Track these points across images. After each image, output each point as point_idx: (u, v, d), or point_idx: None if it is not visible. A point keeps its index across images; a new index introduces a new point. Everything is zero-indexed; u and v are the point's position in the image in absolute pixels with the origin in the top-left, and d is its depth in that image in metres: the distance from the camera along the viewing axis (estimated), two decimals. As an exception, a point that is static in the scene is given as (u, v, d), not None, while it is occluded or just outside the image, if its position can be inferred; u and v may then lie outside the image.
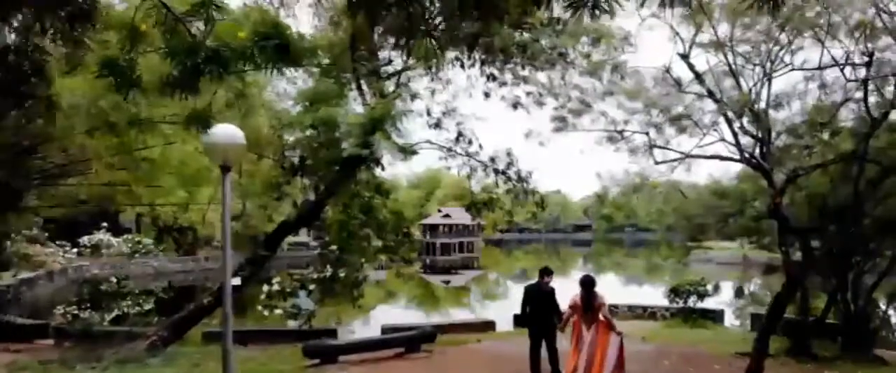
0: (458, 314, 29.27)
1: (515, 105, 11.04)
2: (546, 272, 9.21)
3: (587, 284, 8.42)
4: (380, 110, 7.87)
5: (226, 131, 5.39)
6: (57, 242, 29.70)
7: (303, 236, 50.79)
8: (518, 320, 9.30)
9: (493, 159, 10.60)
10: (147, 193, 12.36)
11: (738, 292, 40.08)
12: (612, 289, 42.49)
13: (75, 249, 30.83)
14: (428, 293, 39.29)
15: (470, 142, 10.67)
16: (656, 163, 10.05)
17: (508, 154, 10.58)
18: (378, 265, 13.92)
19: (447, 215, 75.37)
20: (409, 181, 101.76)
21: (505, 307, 29.63)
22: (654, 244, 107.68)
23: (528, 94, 10.81)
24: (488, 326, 13.26)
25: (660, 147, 9.91)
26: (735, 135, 9.84)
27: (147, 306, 27.33)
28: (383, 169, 10.63)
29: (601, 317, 8.08)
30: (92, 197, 13.73)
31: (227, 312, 5.30)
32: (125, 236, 33.17)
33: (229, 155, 5.46)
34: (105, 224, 32.14)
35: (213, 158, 5.72)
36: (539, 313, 8.92)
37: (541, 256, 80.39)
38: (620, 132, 9.83)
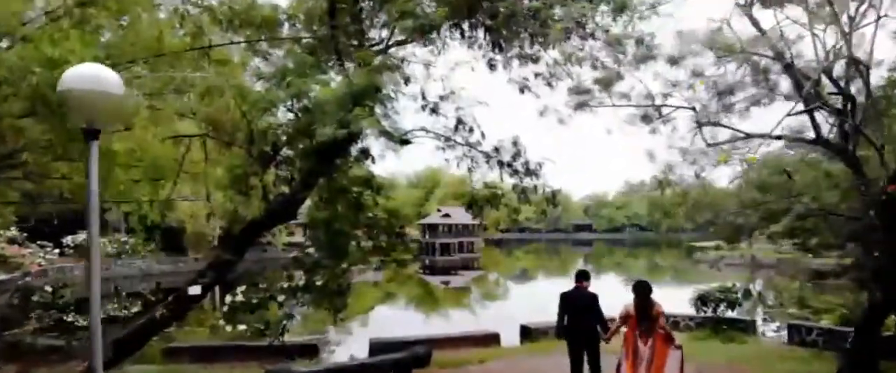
0: (458, 316, 28.61)
1: (523, 89, 9.66)
2: (583, 276, 8.07)
3: (642, 289, 7.32)
4: (360, 82, 6.48)
5: (88, 75, 3.66)
6: (38, 243, 28.44)
7: (299, 236, 50.00)
8: (558, 331, 8.02)
9: (497, 149, 9.19)
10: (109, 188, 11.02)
11: (746, 294, 39.01)
12: (612, 289, 42.39)
13: (57, 250, 29.52)
14: (427, 294, 38.31)
15: (471, 130, 9.29)
16: (708, 145, 8.56)
17: (515, 144, 9.16)
18: (376, 266, 12.58)
19: (447, 215, 74.24)
20: (408, 180, 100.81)
21: (507, 313, 29.04)
22: (656, 244, 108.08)
23: (537, 75, 9.45)
24: (491, 339, 11.85)
25: (714, 124, 8.40)
26: (809, 108, 8.16)
27: (134, 309, 26.29)
28: (373, 161, 9.34)
29: (659, 329, 7.06)
30: (42, 193, 12.48)
31: (94, 325, 3.92)
32: (110, 236, 31.82)
33: (96, 111, 3.66)
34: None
35: (74, 119, 4.01)
36: (580, 322, 7.78)
37: (541, 256, 79.81)
38: (658, 108, 8.39)
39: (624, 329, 7.48)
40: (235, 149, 8.08)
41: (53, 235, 29.87)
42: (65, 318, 25.19)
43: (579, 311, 7.79)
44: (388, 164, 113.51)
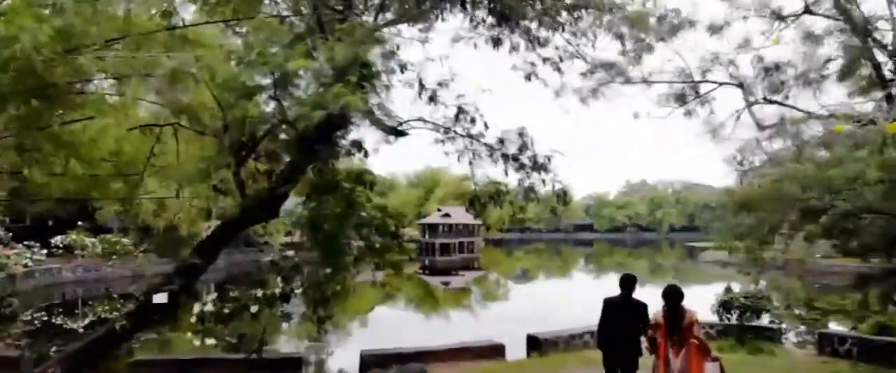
0: (458, 317, 28.13)
1: (529, 76, 8.80)
2: (628, 282, 7.21)
3: (672, 296, 6.55)
4: (342, 54, 5.60)
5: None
6: (25, 243, 27.58)
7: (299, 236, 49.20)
8: (599, 341, 7.17)
9: (501, 141, 8.31)
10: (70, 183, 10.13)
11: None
12: (613, 290, 41.55)
13: (45, 251, 28.63)
14: (427, 295, 37.65)
15: (472, 120, 8.42)
16: (761, 128, 7.61)
17: (520, 135, 8.27)
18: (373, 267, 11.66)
19: (447, 215, 73.47)
20: (407, 179, 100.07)
21: (508, 314, 28.47)
22: (657, 244, 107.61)
23: (545, 60, 8.59)
24: (495, 351, 10.90)
25: (771, 102, 7.41)
26: (882, 80, 7.20)
27: (125, 310, 25.44)
28: (366, 155, 8.50)
29: (693, 339, 6.35)
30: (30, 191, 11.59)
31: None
32: (101, 236, 30.93)
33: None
34: (81, 223, 29.99)
35: None
36: (624, 334, 6.97)
37: (542, 256, 79.17)
38: (695, 86, 7.44)
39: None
40: (211, 140, 7.20)
41: (47, 234, 29.13)
42: (53, 320, 24.59)
43: (622, 321, 6.96)
44: (386, 162, 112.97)
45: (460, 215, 71.62)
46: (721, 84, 7.42)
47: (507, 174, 8.65)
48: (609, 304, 7.13)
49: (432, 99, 8.26)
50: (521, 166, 8.48)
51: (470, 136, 8.63)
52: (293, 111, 5.62)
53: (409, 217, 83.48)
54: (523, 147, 8.32)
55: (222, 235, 7.32)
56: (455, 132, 8.51)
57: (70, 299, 26.83)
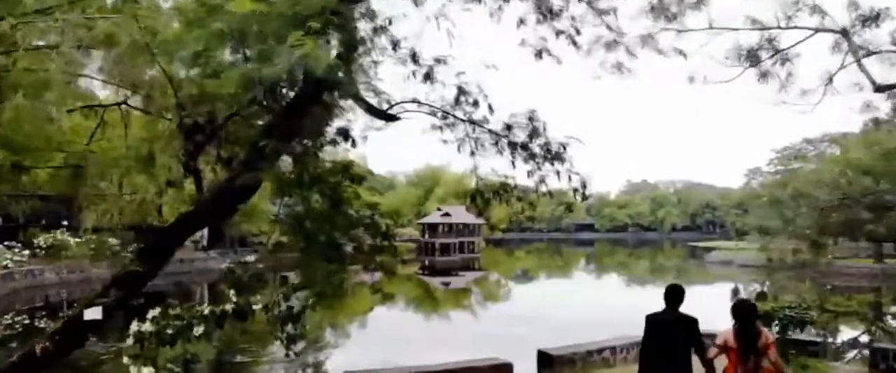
0: (459, 318, 27.50)
1: (540, 53, 7.62)
2: (675, 293, 6.01)
3: (746, 313, 5.64)
4: (308, 2, 4.40)
5: None
6: (5, 243, 26.45)
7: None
8: (642, 366, 6.01)
9: (509, 127, 7.14)
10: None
11: (761, 297, 37.29)
12: (614, 290, 41.20)
13: (27, 251, 27.49)
14: (427, 296, 36.93)
15: (475, 103, 7.25)
16: (878, 89, 6.15)
17: (531, 119, 7.09)
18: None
19: (447, 214, 72.46)
20: (407, 178, 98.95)
21: (509, 315, 28.14)
22: (658, 244, 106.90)
23: (558, 33, 7.41)
24: (503, 371, 9.69)
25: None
26: None
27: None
28: (353, 144, 7.37)
29: (767, 363, 5.52)
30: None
31: None
32: (87, 237, 29.70)
33: None
34: (66, 223, 28.84)
35: None
36: (673, 356, 5.83)
37: (543, 256, 78.42)
38: (770, 40, 6.00)
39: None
40: (164, 122, 6.01)
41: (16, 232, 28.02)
42: (35, 323, 23.45)
43: (670, 340, 5.83)
44: (381, 158, 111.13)
45: (460, 215, 70.78)
46: (816, 31, 6.06)
47: (514, 166, 7.46)
48: (653, 321, 5.94)
49: (428, 77, 7.08)
50: (531, 156, 7.30)
51: (472, 121, 7.47)
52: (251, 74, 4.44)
53: (408, 216, 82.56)
54: (534, 133, 7.13)
55: (172, 235, 6.13)
56: (455, 117, 7.35)
57: (54, 302, 25.77)
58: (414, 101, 7.11)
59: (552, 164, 7.03)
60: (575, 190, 6.84)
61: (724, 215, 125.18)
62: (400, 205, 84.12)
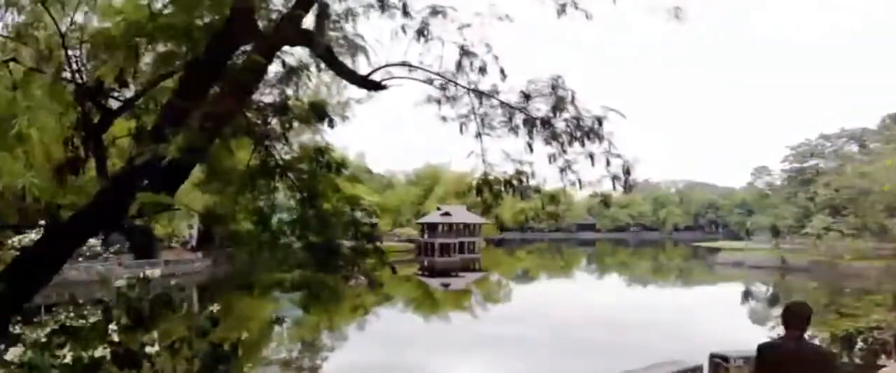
0: (459, 319, 26.80)
1: (563, 7, 6.10)
2: (797, 317, 4.50)
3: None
4: None
5: None
6: (-23, 244, 24.87)
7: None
8: None
9: (527, 97, 5.63)
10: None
11: (773, 299, 36.06)
12: (615, 290, 40.20)
13: None
14: (426, 297, 36.18)
15: (482, 70, 5.75)
16: None
17: (554, 87, 5.57)
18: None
19: (447, 214, 71.15)
20: (406, 177, 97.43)
21: (511, 316, 27.38)
22: (660, 244, 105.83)
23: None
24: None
25: None
26: None
27: (93, 319, 22.89)
28: (331, 125, 5.92)
29: None
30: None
31: None
32: (66, 236, 28.22)
33: None
34: (43, 222, 27.27)
35: None
36: None
37: (544, 256, 77.36)
38: None
39: None
40: (61, 84, 4.43)
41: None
42: (11, 329, 22.00)
43: None
44: (381, 157, 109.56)
45: (461, 214, 69.53)
46: None
47: (532, 149, 5.93)
48: (771, 352, 4.45)
49: (421, 34, 5.56)
50: (554, 136, 5.77)
51: (478, 92, 5.96)
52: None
53: (407, 216, 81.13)
54: (559, 106, 5.61)
55: (60, 240, 4.52)
56: (457, 85, 5.85)
57: (29, 306, 24.33)
58: (403, 64, 5.60)
59: (583, 143, 5.51)
60: (614, 178, 5.31)
61: (727, 215, 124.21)
62: (399, 204, 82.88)
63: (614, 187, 5.37)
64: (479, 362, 16.73)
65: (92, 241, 29.26)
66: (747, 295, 37.79)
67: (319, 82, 7.88)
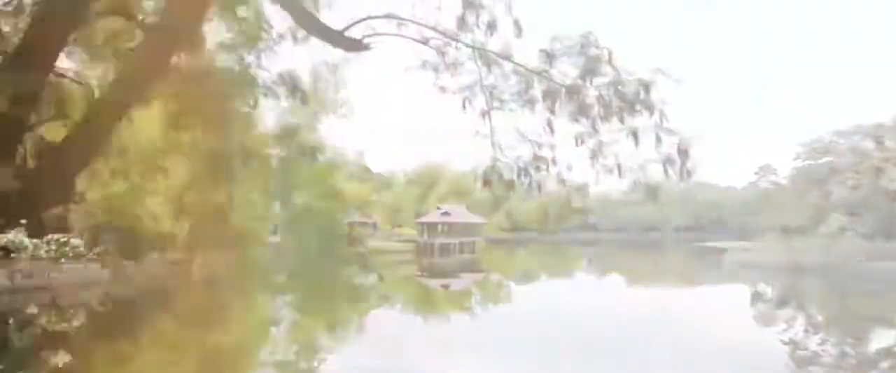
0: (459, 320, 25.95)
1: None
2: None
3: None
4: None
5: None
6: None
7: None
8: None
9: (550, 57, 4.52)
10: None
11: (782, 301, 34.91)
12: (615, 290, 39.28)
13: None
14: (426, 298, 35.33)
15: (491, 25, 4.64)
16: None
17: (583, 46, 4.46)
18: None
19: (447, 213, 70.37)
20: (406, 176, 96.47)
21: (510, 315, 26.47)
22: (662, 244, 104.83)
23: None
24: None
25: None
26: None
27: (76, 323, 21.65)
28: (305, 100, 4.78)
29: None
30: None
31: None
32: (48, 237, 27.05)
33: None
34: (24, 221, 26.13)
35: None
36: None
37: (545, 256, 76.72)
38: None
39: None
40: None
41: None
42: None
43: None
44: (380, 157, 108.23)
45: (461, 214, 68.69)
46: None
47: (552, 130, 4.72)
48: None
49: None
50: (583, 109, 4.62)
51: (486, 53, 4.76)
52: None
53: (406, 215, 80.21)
54: (591, 70, 4.45)
55: None
56: (458, 43, 4.67)
57: (5, 310, 23.12)
58: (389, 16, 4.44)
59: (622, 119, 4.33)
60: (667, 162, 4.10)
61: (728, 215, 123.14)
62: (398, 204, 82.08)
63: (667, 174, 4.13)
64: (479, 363, 15.80)
65: None
66: (757, 296, 36.69)
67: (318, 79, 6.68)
